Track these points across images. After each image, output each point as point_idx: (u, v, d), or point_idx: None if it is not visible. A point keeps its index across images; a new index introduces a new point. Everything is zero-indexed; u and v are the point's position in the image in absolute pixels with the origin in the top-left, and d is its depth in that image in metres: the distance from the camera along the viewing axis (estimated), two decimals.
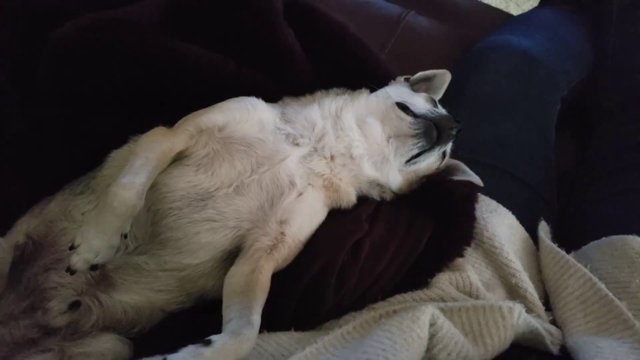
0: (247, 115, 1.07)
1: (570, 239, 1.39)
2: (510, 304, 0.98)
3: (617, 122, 1.53)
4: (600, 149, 1.54)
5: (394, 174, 1.18)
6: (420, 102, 1.19)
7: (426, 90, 1.39)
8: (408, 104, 1.16)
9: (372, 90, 1.28)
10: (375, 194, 1.20)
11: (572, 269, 1.16)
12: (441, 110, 1.21)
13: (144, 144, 0.98)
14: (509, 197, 1.36)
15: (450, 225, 1.16)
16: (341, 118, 1.15)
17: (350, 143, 1.13)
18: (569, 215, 1.46)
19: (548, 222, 1.35)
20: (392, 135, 1.14)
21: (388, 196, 1.22)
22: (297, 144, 1.09)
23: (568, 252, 1.30)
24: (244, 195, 1.01)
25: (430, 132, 1.11)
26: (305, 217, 1.04)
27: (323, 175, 1.09)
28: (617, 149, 1.48)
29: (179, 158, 1.03)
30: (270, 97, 1.24)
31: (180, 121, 1.07)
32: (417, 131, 1.11)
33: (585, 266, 1.16)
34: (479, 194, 1.27)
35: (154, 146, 0.97)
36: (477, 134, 1.44)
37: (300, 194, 1.05)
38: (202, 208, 0.98)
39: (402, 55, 1.82)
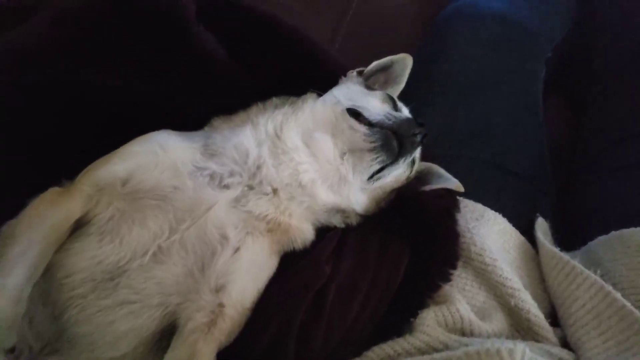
0: (155, 160, 0.85)
1: (571, 221, 1.21)
2: (510, 344, 0.80)
3: (609, 90, 1.31)
4: (594, 121, 1.33)
5: (356, 195, 0.98)
6: (375, 105, 0.98)
7: (385, 81, 1.17)
8: (361, 110, 0.95)
9: (322, 93, 1.07)
10: (337, 221, 1.00)
11: (580, 278, 0.98)
12: (401, 112, 1.01)
13: (27, 220, 0.77)
14: (498, 193, 1.17)
15: (429, 247, 0.97)
16: (282, 138, 0.94)
17: (297, 168, 0.92)
18: (569, 196, 1.27)
19: (546, 214, 1.16)
20: (347, 150, 0.93)
21: (354, 220, 1.02)
22: (226, 186, 0.88)
23: (572, 245, 1.12)
24: (164, 262, 0.81)
25: (390, 143, 0.90)
26: (247, 277, 0.84)
27: (266, 216, 0.89)
28: (611, 121, 1.27)
29: (80, 225, 0.83)
30: (197, 120, 1.04)
31: (79, 176, 0.87)
32: (373, 144, 0.90)
33: (595, 272, 0.97)
34: (461, 199, 1.08)
35: (40, 222, 0.76)
36: (452, 124, 1.23)
37: (236, 250, 0.85)
38: (114, 290, 0.78)
39: (359, 35, 1.60)
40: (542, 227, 1.11)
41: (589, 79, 1.40)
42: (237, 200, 0.88)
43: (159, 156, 0.86)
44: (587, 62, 1.42)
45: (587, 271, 0.97)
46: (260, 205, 0.89)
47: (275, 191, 0.91)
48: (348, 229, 1.02)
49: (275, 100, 1.05)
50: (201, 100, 1.07)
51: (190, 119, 1.03)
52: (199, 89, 1.07)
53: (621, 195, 1.17)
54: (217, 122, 1.02)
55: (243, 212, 0.88)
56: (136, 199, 0.83)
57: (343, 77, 1.13)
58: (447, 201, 1.01)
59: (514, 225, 1.11)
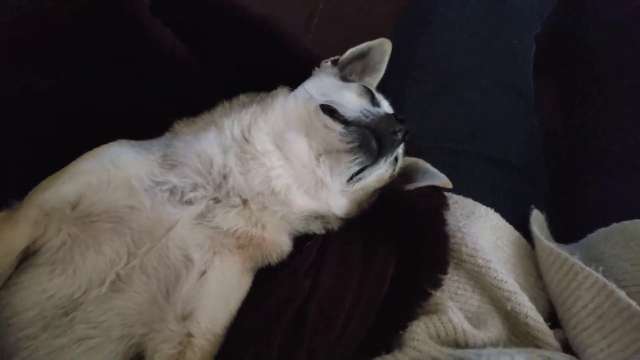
0: (107, 177, 0.76)
1: (571, 221, 1.14)
2: (507, 358, 0.74)
3: (609, 90, 1.24)
4: (594, 121, 1.25)
5: (336, 198, 0.90)
6: (351, 100, 0.89)
7: (363, 69, 1.08)
8: (335, 106, 0.86)
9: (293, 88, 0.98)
10: (316, 227, 0.92)
11: (581, 276, 0.90)
12: (380, 106, 0.92)
13: None
14: (490, 186, 1.09)
15: (416, 251, 0.90)
16: (251, 142, 0.86)
17: (268, 174, 0.84)
18: (569, 196, 1.20)
19: (541, 207, 1.09)
20: (322, 152, 0.85)
21: (335, 225, 0.94)
22: (188, 201, 0.79)
23: (569, 238, 1.05)
24: (124, 291, 0.73)
25: (368, 143, 0.82)
26: (216, 302, 0.76)
27: (236, 231, 0.81)
28: (611, 121, 1.20)
29: (28, 255, 0.74)
30: (161, 124, 0.95)
31: (24, 199, 0.78)
32: (350, 145, 0.82)
33: (597, 269, 0.90)
34: (450, 195, 1.00)
35: None
36: (438, 115, 1.15)
37: (203, 273, 0.76)
38: (69, 326, 0.70)
39: (335, 22, 1.50)
40: (537, 219, 1.04)
41: (588, 78, 1.32)
42: (202, 216, 0.79)
43: (110, 173, 0.77)
44: (586, 62, 1.34)
45: (587, 269, 0.90)
46: (229, 219, 0.81)
47: (245, 202, 0.82)
48: (329, 235, 0.94)
49: (242, 97, 0.96)
50: (162, 101, 0.98)
51: (153, 122, 0.95)
52: (159, 89, 0.98)
53: (621, 195, 1.11)
54: (179, 126, 0.93)
55: (210, 229, 0.79)
56: (89, 222, 0.74)
57: (316, 69, 1.04)
58: (435, 200, 0.93)
59: (509, 221, 1.03)
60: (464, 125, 1.16)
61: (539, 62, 1.31)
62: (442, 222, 0.92)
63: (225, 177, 0.82)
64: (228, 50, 1.04)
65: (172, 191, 0.79)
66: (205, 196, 0.80)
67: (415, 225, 0.90)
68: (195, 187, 0.80)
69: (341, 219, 0.94)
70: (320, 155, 0.85)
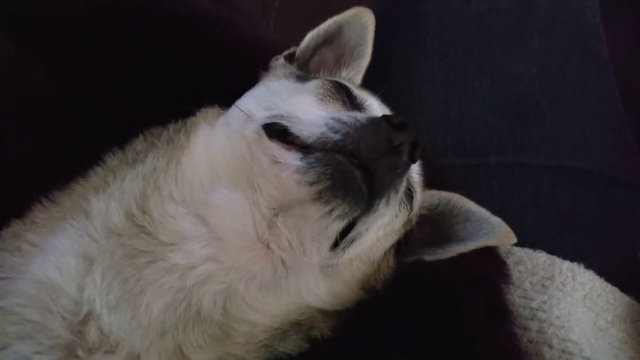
0: None
1: None
2: None
3: None
4: None
5: (316, 284, 0.53)
6: (310, 108, 0.52)
7: (337, 59, 0.73)
8: (287, 123, 0.49)
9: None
10: (291, 346, 0.55)
11: None
12: (362, 109, 0.55)
13: None
14: (565, 217, 0.71)
15: None
16: (151, 229, 0.49)
17: (184, 282, 0.47)
18: None
19: None
20: (278, 208, 0.48)
21: (324, 326, 0.56)
22: None
23: None
24: None
25: (346, 177, 0.45)
26: None
27: None
28: None
29: None
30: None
31: None
32: (315, 187, 0.44)
33: None
34: (509, 252, 0.61)
35: None
36: (466, 107, 0.77)
37: None
38: None
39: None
40: None
41: None
42: None
43: None
44: None
45: None
46: None
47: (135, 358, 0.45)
48: (316, 348, 0.56)
49: (139, 142, 0.58)
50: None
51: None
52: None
53: None
54: (40, 208, 0.55)
55: None
56: None
57: (264, 74, 0.65)
58: (490, 284, 0.54)
59: (607, 272, 0.64)
60: (508, 119, 0.76)
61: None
62: (503, 320, 0.53)
63: (83, 322, 0.45)
64: (126, 58, 0.65)
65: None
66: None
67: (463, 336, 0.51)
68: None
69: (334, 313, 0.56)
70: (275, 214, 0.47)
